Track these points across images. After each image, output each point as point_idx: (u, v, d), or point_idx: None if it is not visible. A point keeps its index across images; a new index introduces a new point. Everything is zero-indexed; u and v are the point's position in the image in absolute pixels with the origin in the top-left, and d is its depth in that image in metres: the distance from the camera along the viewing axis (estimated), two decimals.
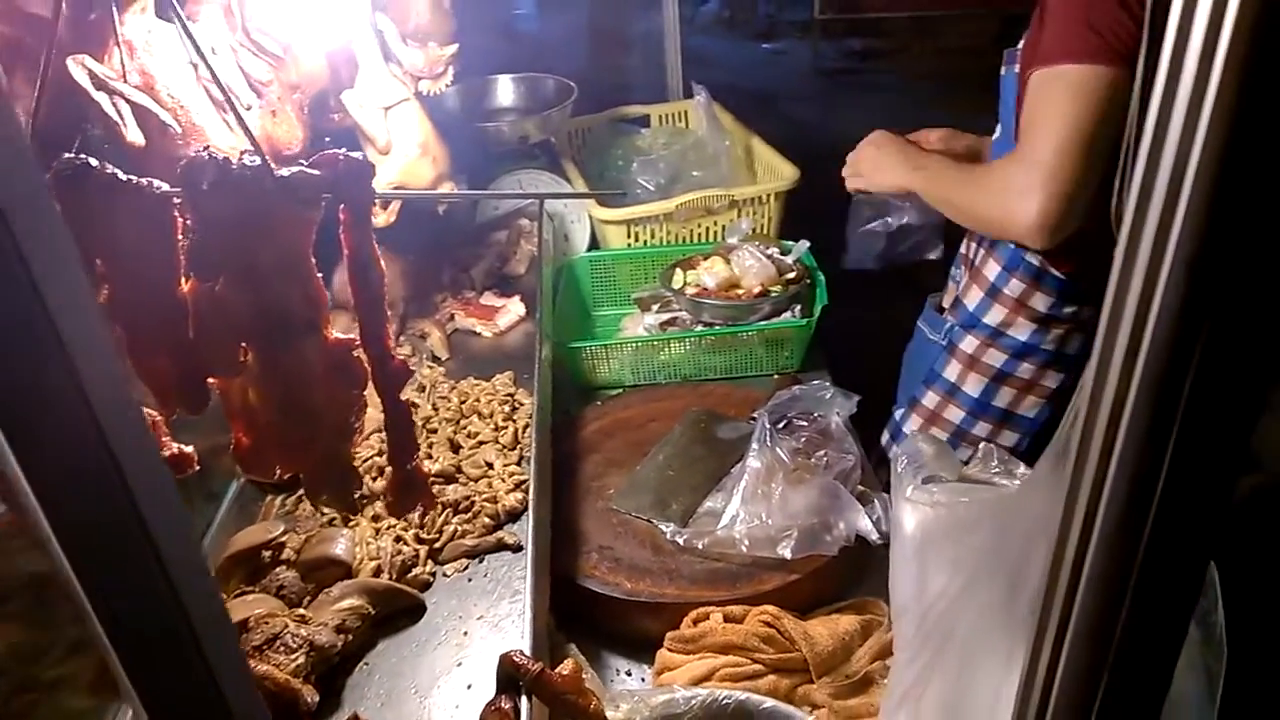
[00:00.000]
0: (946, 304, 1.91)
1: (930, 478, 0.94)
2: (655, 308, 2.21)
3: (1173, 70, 0.42)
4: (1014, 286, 1.69)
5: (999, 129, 1.75)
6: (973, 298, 1.77)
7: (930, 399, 1.86)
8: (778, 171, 2.46)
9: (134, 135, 1.24)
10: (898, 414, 1.97)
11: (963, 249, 1.88)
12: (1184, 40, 0.41)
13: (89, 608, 0.50)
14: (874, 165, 1.85)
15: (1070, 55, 1.39)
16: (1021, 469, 1.08)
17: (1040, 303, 1.68)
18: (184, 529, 0.52)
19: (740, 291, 2.09)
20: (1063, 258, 1.63)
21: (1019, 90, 1.55)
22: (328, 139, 1.12)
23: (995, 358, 1.75)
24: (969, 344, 1.78)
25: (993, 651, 0.79)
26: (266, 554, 1.48)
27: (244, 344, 1.00)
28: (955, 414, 1.82)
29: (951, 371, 1.81)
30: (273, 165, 0.92)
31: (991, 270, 1.72)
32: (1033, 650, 0.62)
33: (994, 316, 1.73)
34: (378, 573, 1.44)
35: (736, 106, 2.74)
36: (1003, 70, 1.70)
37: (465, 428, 1.71)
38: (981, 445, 1.11)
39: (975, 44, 6.87)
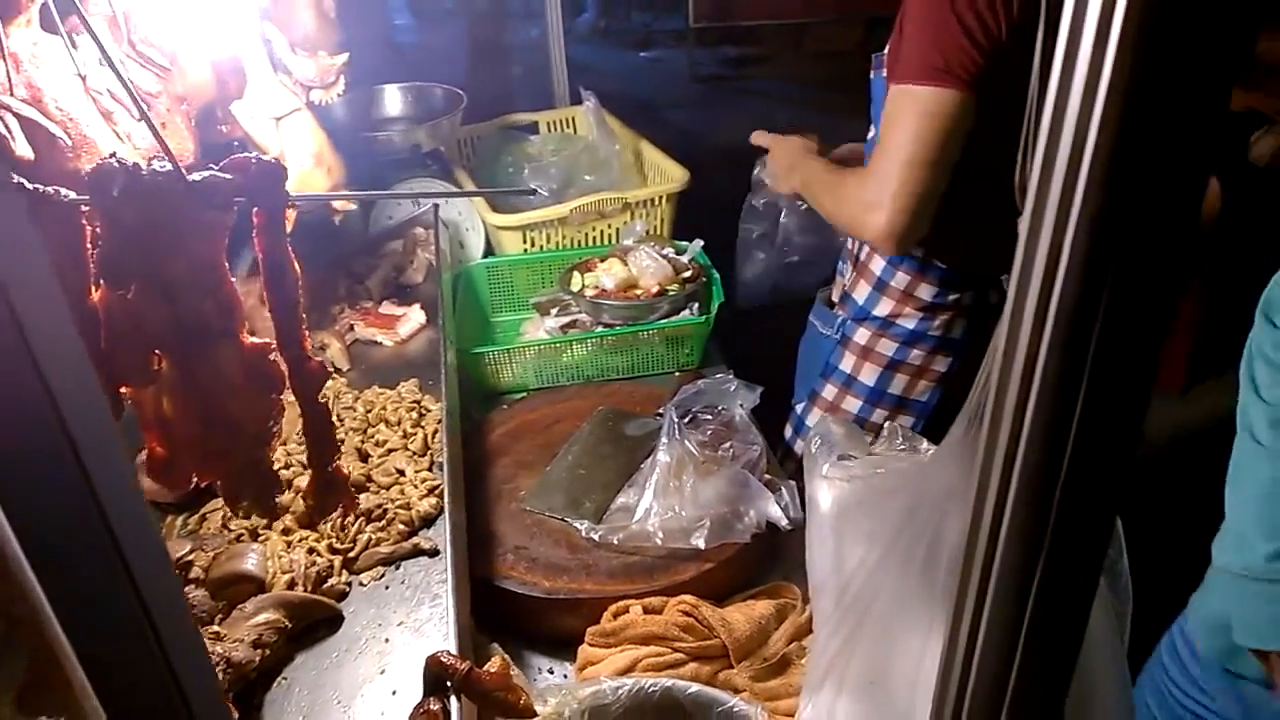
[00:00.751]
0: (836, 298, 1.99)
1: (843, 456, 0.99)
2: (554, 311, 2.23)
3: (1072, 37, 0.47)
4: (900, 279, 1.79)
5: (872, 129, 1.82)
6: (861, 291, 1.85)
7: (829, 391, 1.93)
8: (667, 174, 2.51)
9: (23, 149, 1.20)
10: (798, 408, 2.04)
11: (849, 245, 1.96)
12: (1081, 7, 0.46)
13: (51, 616, 0.50)
14: (772, 172, 1.96)
15: (918, 76, 1.49)
16: (924, 444, 1.14)
17: (925, 292, 1.78)
18: (153, 538, 0.52)
19: (639, 292, 2.13)
20: (945, 250, 1.73)
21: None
22: (236, 143, 1.10)
23: (887, 347, 1.84)
24: (861, 336, 1.86)
25: (914, 618, 0.84)
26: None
27: (157, 352, 0.98)
28: (853, 404, 1.90)
29: (847, 363, 1.89)
30: (184, 170, 0.90)
31: (878, 265, 1.81)
32: (955, 606, 0.67)
33: (883, 308, 1.82)
34: (292, 585, 1.42)
35: (620, 113, 2.78)
36: (872, 74, 1.78)
37: (373, 436, 1.69)
38: (886, 425, 1.17)
39: (842, 48, 7.14)
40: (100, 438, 0.49)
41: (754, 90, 7.03)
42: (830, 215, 1.75)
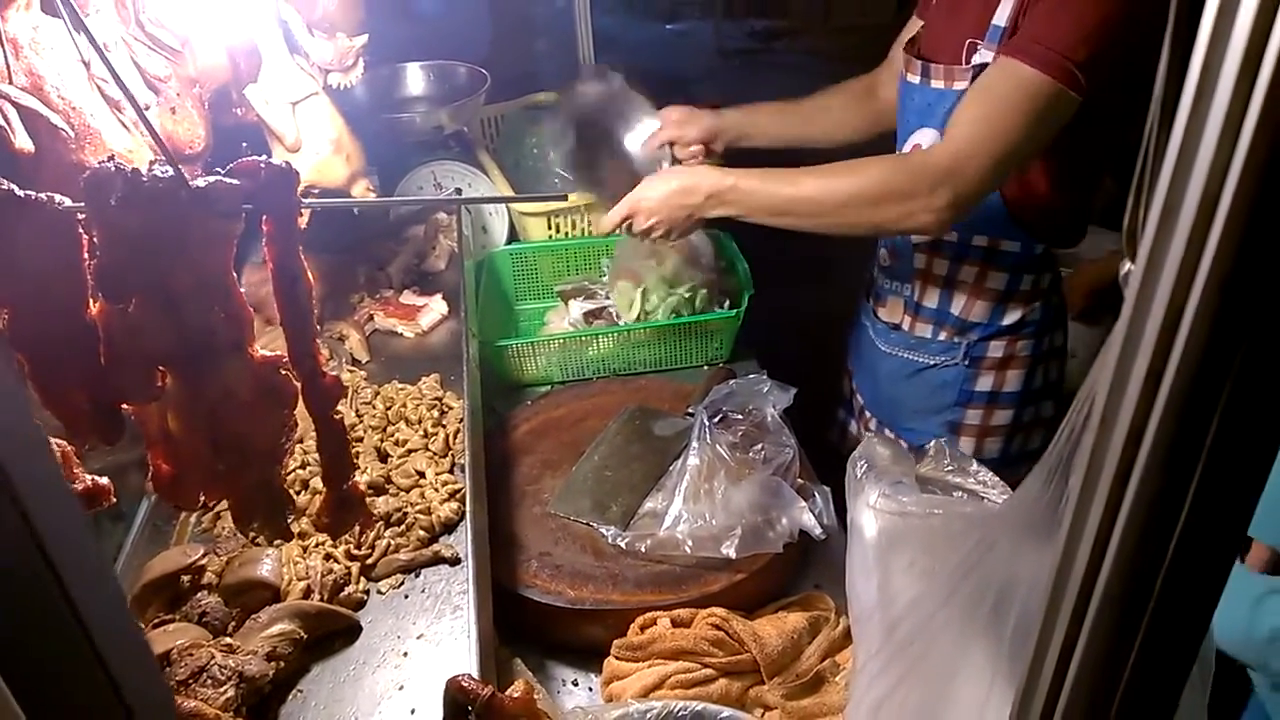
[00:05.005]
0: (890, 319, 1.90)
1: (892, 483, 0.93)
2: (580, 299, 2.16)
3: (1207, 71, 0.40)
4: (1028, 280, 1.74)
5: (926, 139, 1.69)
6: (980, 310, 1.77)
7: (974, 416, 1.84)
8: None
9: (23, 141, 1.14)
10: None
11: (919, 264, 1.80)
12: (1223, 35, 0.39)
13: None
14: (662, 210, 1.68)
15: (1049, 66, 1.39)
16: (974, 465, 1.08)
17: (1047, 280, 1.75)
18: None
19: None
20: (1067, 235, 1.72)
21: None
22: (245, 144, 1.04)
23: (1025, 347, 1.78)
24: (996, 349, 1.79)
25: (975, 670, 0.78)
26: (185, 579, 1.39)
27: (161, 368, 0.92)
28: (1004, 415, 1.83)
29: (986, 382, 1.81)
30: (187, 176, 0.84)
31: (997, 280, 1.73)
32: (1029, 674, 0.60)
33: (1013, 315, 1.76)
34: (307, 593, 1.37)
35: (646, 89, 2.68)
36: (930, 82, 1.66)
37: (393, 435, 1.64)
38: (932, 443, 1.10)
39: (870, 21, 6.97)
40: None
41: (781, 64, 6.85)
42: (832, 213, 1.55)
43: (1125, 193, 0.52)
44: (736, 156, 1.94)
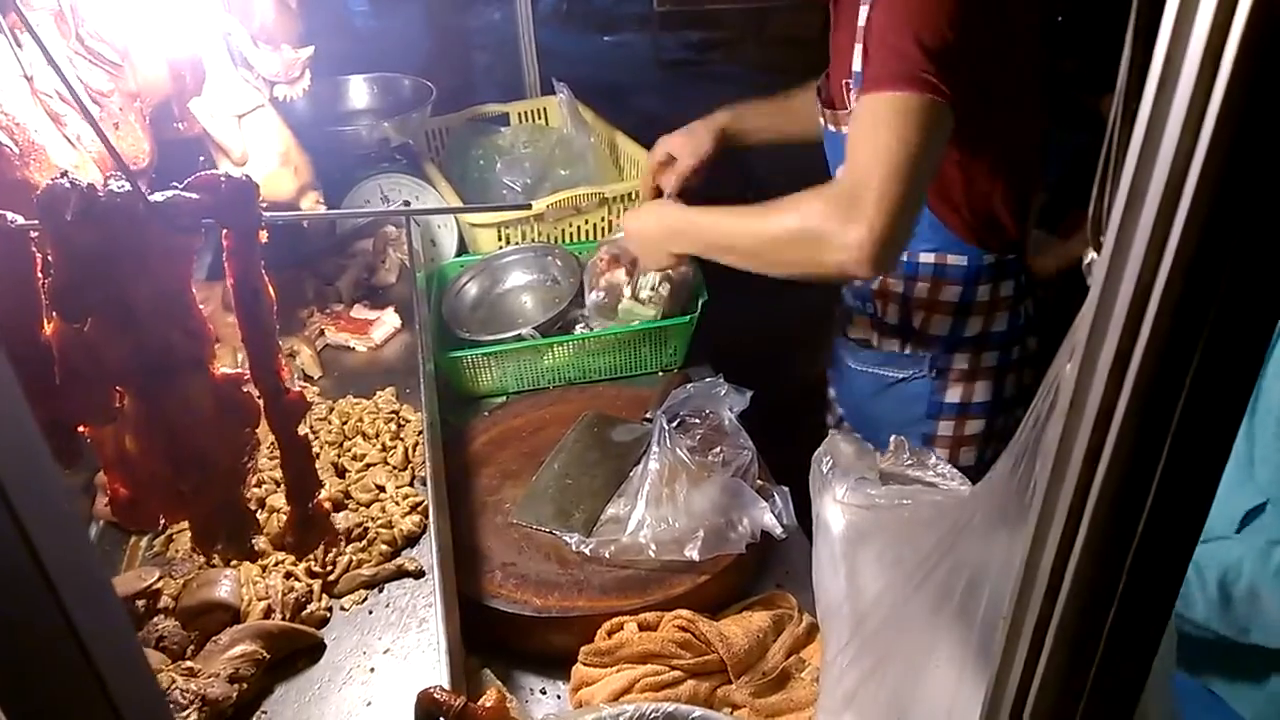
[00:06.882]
0: (859, 335, 1.91)
1: (859, 478, 0.94)
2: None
3: (1169, 65, 0.42)
4: (983, 291, 1.73)
5: None
6: (940, 324, 1.77)
7: (946, 428, 1.84)
8: (643, 166, 2.43)
9: None
10: None
11: (874, 285, 1.82)
12: (1185, 29, 0.41)
13: None
14: (641, 248, 1.83)
15: (895, 83, 1.37)
16: (933, 459, 1.10)
17: (1007, 288, 1.75)
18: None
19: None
20: (1012, 242, 1.72)
21: None
22: (202, 158, 1.03)
23: (991, 358, 1.78)
24: (960, 361, 1.79)
25: (947, 654, 0.79)
26: (141, 604, 1.37)
27: (118, 388, 0.91)
28: (976, 426, 1.83)
29: (954, 394, 1.81)
30: (145, 191, 0.83)
31: (950, 293, 1.74)
32: (1004, 654, 0.62)
33: (974, 326, 1.76)
34: (268, 613, 1.35)
35: (587, 99, 2.70)
36: (831, 128, 1.71)
37: (350, 450, 1.62)
38: (892, 438, 1.12)
39: (803, 34, 7.08)
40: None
41: (720, 76, 6.96)
42: (762, 252, 1.56)
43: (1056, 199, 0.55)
44: None
